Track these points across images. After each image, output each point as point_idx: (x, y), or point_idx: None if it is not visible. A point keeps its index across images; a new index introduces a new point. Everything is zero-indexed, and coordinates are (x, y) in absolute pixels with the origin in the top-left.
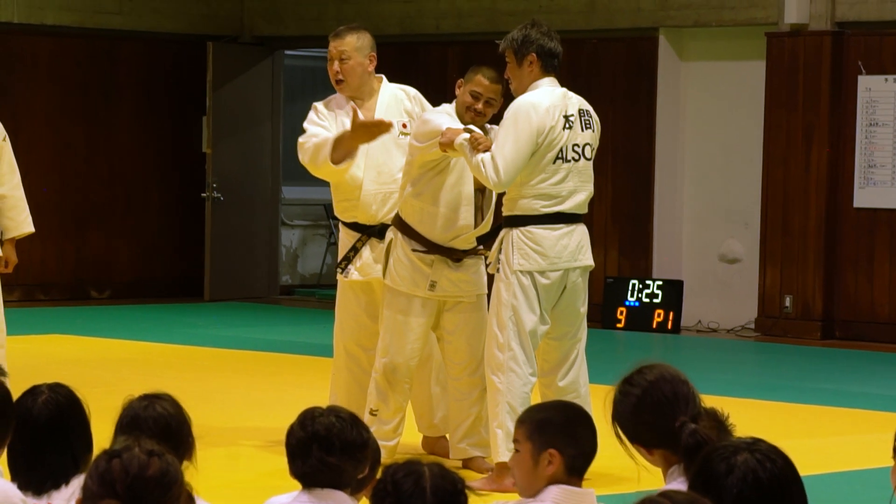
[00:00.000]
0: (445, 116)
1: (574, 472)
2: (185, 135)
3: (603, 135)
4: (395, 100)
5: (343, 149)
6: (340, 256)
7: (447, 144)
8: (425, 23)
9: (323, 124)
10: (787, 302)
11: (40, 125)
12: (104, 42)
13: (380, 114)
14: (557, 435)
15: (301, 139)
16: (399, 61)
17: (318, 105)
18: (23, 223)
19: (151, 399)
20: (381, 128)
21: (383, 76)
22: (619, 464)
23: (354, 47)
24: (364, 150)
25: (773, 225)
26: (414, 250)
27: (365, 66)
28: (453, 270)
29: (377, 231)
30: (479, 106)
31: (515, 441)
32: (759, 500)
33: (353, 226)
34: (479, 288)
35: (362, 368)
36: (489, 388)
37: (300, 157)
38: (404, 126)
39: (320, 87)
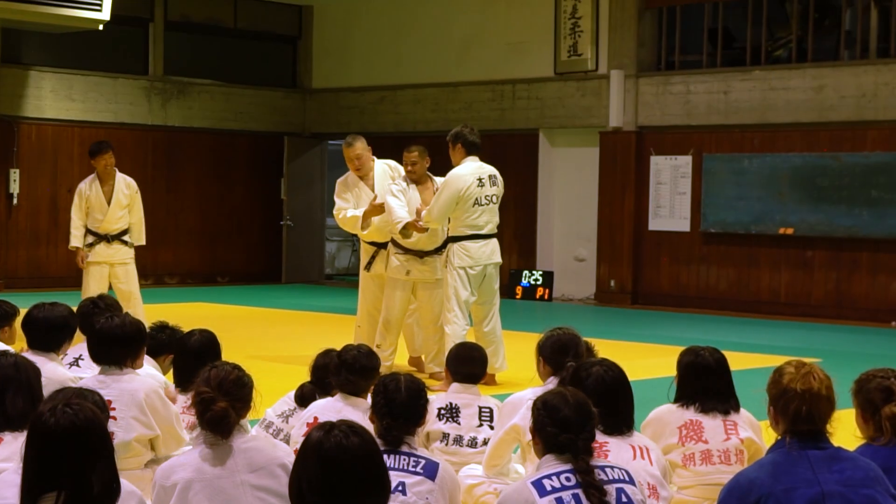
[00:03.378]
0: (403, 211)
1: (469, 381)
2: (272, 189)
3: (507, 189)
4: (383, 172)
5: (366, 220)
6: (364, 261)
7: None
8: (407, 125)
9: (345, 197)
10: (612, 283)
11: (190, 185)
12: (226, 137)
13: (378, 181)
14: (461, 363)
15: (336, 209)
16: (393, 147)
17: (339, 183)
18: (140, 239)
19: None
20: (381, 207)
21: (374, 157)
22: (519, 376)
23: (364, 148)
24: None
25: (604, 239)
26: (396, 252)
27: (370, 157)
28: (420, 264)
29: (383, 245)
30: (409, 167)
31: (445, 368)
32: (605, 394)
33: (372, 243)
34: (436, 274)
35: (373, 323)
36: (444, 333)
37: (337, 221)
38: (392, 179)
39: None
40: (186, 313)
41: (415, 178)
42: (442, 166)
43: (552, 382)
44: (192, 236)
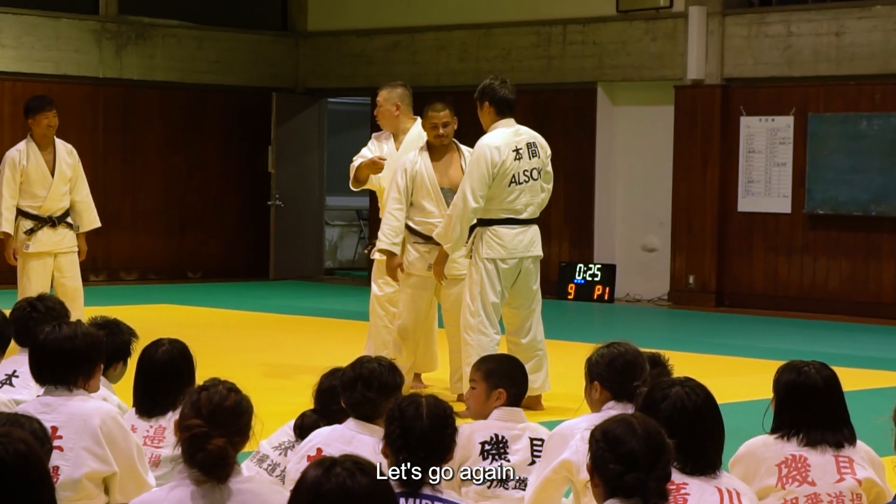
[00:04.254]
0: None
1: (514, 404)
2: (257, 159)
3: (557, 158)
4: (418, 138)
5: (361, 175)
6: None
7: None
8: (428, 78)
9: (366, 152)
10: (691, 280)
11: (152, 154)
12: (198, 93)
13: (403, 146)
14: (505, 379)
15: (387, 192)
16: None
17: (372, 138)
18: (91, 221)
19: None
20: (377, 165)
21: (418, 118)
22: (567, 398)
23: (384, 98)
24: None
25: (680, 223)
26: (415, 242)
27: (392, 111)
28: None
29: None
30: (441, 130)
31: (472, 381)
32: (684, 422)
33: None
34: (464, 269)
35: (390, 319)
36: (463, 344)
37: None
38: None
39: (353, 126)
40: (149, 318)
41: (445, 143)
42: (471, 132)
43: (613, 409)
44: (154, 220)
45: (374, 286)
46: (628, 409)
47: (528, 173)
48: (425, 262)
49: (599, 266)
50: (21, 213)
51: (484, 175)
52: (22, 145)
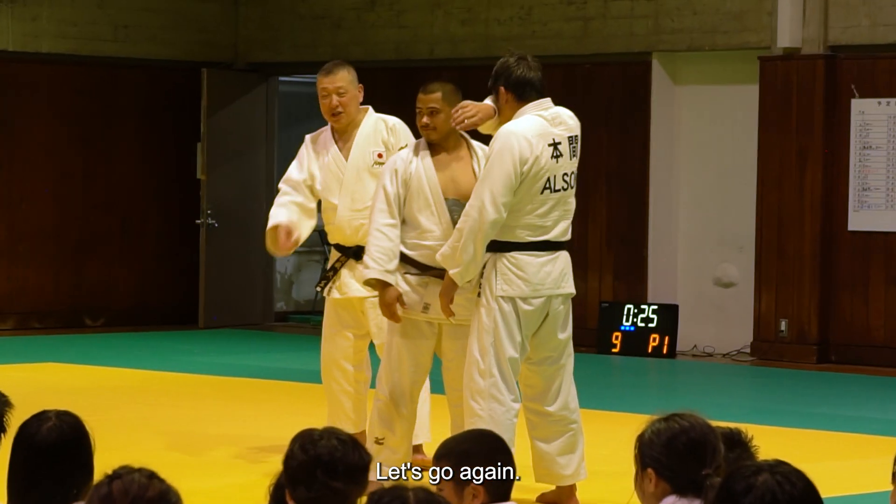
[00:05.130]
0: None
1: (498, 499)
2: (182, 161)
3: (597, 158)
4: (374, 131)
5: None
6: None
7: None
8: (420, 48)
9: (300, 168)
10: (783, 326)
11: (38, 153)
12: (100, 70)
13: (358, 144)
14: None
15: (281, 182)
16: (394, 86)
17: (307, 142)
18: None
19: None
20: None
21: (370, 107)
22: (610, 489)
23: (349, 81)
24: (339, 177)
25: (768, 248)
26: (406, 273)
27: (358, 98)
28: None
29: (353, 252)
30: (425, 119)
31: (434, 474)
32: None
33: (337, 247)
34: (472, 312)
35: (345, 386)
36: (467, 413)
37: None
38: (379, 156)
39: (315, 112)
40: (30, 381)
41: (435, 139)
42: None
43: None
44: (39, 246)
45: (325, 335)
46: None
47: (566, 178)
48: (420, 299)
49: (655, 307)
50: None
51: (509, 175)
52: None
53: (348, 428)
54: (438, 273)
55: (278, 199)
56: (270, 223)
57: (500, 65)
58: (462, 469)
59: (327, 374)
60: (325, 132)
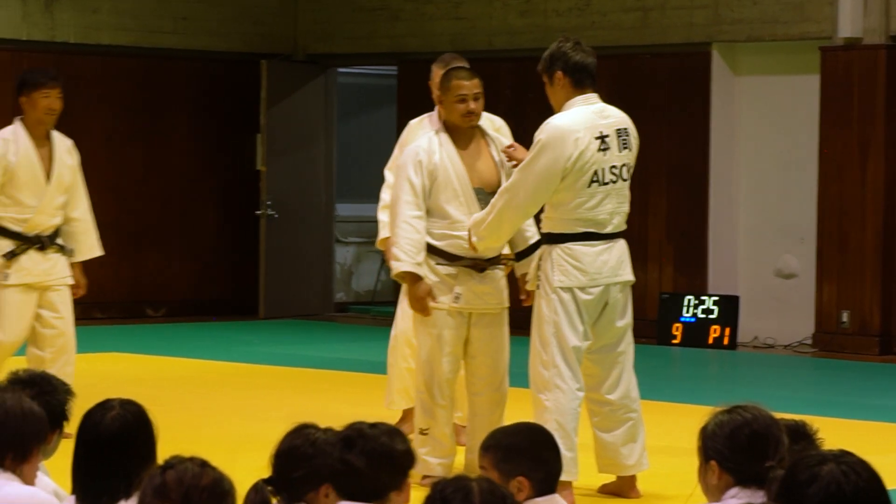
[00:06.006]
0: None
1: (543, 493)
2: (240, 153)
3: (656, 150)
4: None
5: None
6: None
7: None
8: (477, 40)
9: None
10: (845, 317)
11: (96, 145)
12: (159, 62)
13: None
14: (525, 461)
15: (394, 194)
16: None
17: (410, 129)
18: (93, 246)
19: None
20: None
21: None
22: (672, 481)
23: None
24: None
25: (830, 239)
26: (437, 264)
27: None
28: (477, 283)
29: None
30: (472, 105)
31: (482, 468)
32: None
33: None
34: (501, 301)
35: (410, 362)
36: (535, 407)
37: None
38: None
39: (373, 104)
40: (92, 372)
41: (472, 126)
42: (537, 112)
43: (737, 497)
44: (100, 237)
45: (399, 314)
46: (758, 498)
47: (616, 171)
48: (450, 290)
49: (716, 299)
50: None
51: (551, 170)
52: (8, 133)
53: (404, 402)
54: (468, 263)
55: (384, 196)
56: (383, 233)
57: (555, 49)
58: (508, 462)
59: (395, 350)
60: (432, 120)
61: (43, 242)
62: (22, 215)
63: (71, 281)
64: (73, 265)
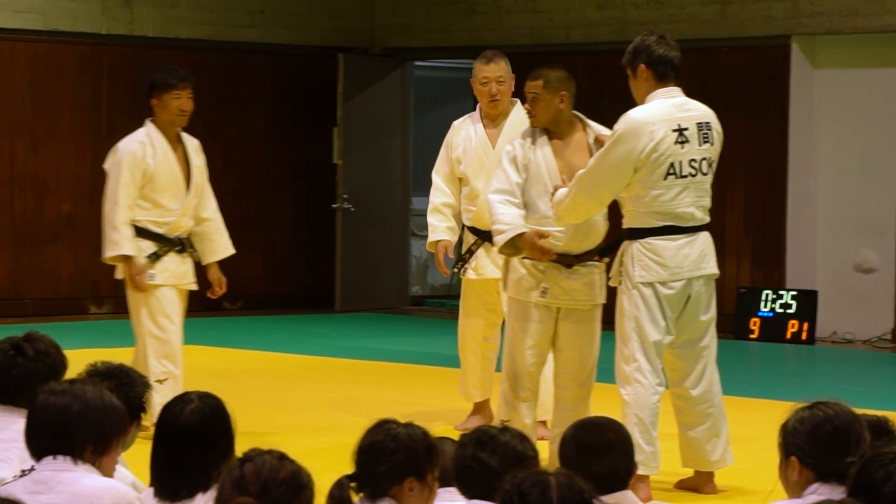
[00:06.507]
0: (507, 210)
1: (613, 489)
2: (316, 146)
3: (734, 143)
4: (521, 122)
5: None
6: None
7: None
8: (555, 33)
9: (447, 163)
10: None
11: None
12: (237, 55)
13: (506, 133)
14: (585, 455)
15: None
16: (528, 71)
17: (452, 129)
18: (227, 245)
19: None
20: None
21: (518, 100)
22: (753, 478)
23: (506, 71)
24: (484, 163)
25: None
26: (525, 258)
27: (511, 88)
28: (566, 278)
29: (489, 236)
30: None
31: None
32: None
33: (472, 230)
34: (592, 298)
35: (482, 355)
36: (621, 401)
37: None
38: None
39: (450, 97)
40: None
41: (536, 126)
42: (618, 107)
43: (818, 493)
44: None
45: (462, 312)
46: (838, 494)
47: (695, 164)
48: (537, 284)
49: (794, 293)
50: (139, 232)
51: (625, 162)
52: (142, 135)
53: (478, 394)
54: (557, 258)
55: (434, 199)
56: (434, 236)
57: (639, 42)
58: (580, 457)
59: (464, 346)
60: (474, 118)
61: (183, 245)
62: (163, 218)
63: (195, 286)
64: (209, 265)
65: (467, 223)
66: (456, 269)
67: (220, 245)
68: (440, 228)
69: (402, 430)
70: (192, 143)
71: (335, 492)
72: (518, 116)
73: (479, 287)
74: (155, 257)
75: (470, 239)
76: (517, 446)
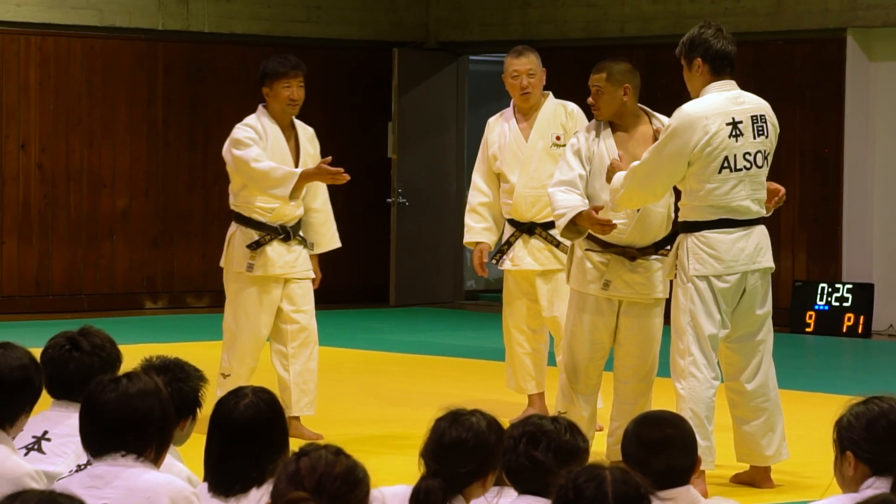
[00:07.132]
0: (568, 196)
1: (672, 484)
2: (371, 140)
3: (790, 136)
4: (553, 115)
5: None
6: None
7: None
8: (610, 26)
9: (483, 159)
10: None
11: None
12: (292, 50)
13: (539, 126)
14: (641, 451)
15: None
16: (582, 65)
17: (488, 126)
18: (333, 238)
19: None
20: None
21: (550, 92)
22: (809, 471)
23: (536, 64)
24: (519, 157)
25: None
26: (588, 250)
27: (542, 81)
28: (628, 271)
29: (527, 228)
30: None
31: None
32: None
33: (511, 222)
34: (654, 292)
35: (527, 347)
36: (676, 396)
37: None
38: (557, 139)
39: (504, 92)
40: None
41: (600, 119)
42: (670, 99)
43: (873, 487)
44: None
45: (505, 302)
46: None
47: (749, 157)
48: (600, 277)
49: (850, 286)
50: (240, 219)
51: (679, 156)
52: (253, 120)
53: (532, 387)
54: (620, 251)
55: (471, 199)
56: (469, 237)
57: (696, 35)
58: (642, 452)
59: (509, 337)
60: (507, 114)
61: (288, 233)
62: (269, 204)
63: (312, 275)
64: (311, 257)
65: (506, 216)
66: (494, 260)
67: (325, 238)
68: (476, 229)
69: (475, 420)
70: (307, 132)
71: (417, 494)
72: (550, 109)
73: (518, 277)
74: (256, 245)
75: (508, 231)
76: (567, 437)
